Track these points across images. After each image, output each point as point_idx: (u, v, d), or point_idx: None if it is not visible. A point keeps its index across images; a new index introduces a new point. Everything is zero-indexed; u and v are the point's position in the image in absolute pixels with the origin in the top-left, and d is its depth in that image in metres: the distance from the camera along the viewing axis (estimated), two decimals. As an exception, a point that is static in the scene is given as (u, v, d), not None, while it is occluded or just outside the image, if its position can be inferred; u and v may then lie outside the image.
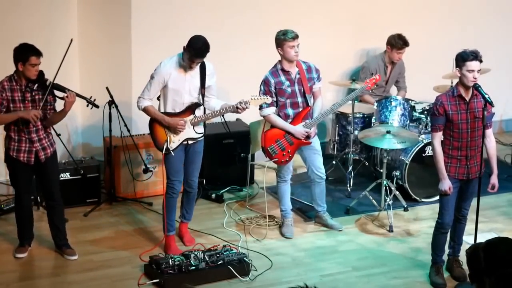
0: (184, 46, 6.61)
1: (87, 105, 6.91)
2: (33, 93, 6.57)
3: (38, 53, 6.48)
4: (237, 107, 6.75)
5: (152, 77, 6.76)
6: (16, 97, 6.54)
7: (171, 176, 6.87)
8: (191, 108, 6.80)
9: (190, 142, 6.85)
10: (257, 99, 6.90)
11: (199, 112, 6.85)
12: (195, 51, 6.58)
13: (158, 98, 6.87)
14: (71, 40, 6.64)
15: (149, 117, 6.89)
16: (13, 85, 6.54)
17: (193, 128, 6.82)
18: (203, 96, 6.80)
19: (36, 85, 6.57)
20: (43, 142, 6.69)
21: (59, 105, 6.77)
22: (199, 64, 6.73)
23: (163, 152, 6.81)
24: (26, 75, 6.50)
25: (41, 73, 6.55)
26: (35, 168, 6.73)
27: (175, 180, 6.87)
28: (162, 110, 6.82)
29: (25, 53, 6.46)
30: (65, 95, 6.60)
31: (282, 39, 7.12)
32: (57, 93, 6.70)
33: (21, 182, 6.77)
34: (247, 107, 6.77)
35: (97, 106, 6.95)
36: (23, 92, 6.54)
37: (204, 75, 6.78)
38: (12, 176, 6.82)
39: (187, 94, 6.75)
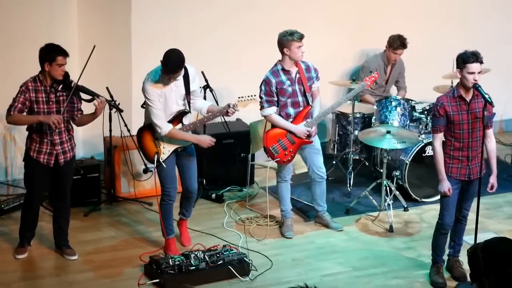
0: (161, 60, 6.55)
1: (111, 109, 6.89)
2: (58, 94, 6.55)
3: (65, 53, 6.47)
4: (227, 112, 6.69)
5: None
6: (40, 98, 6.51)
7: (166, 184, 6.82)
8: (178, 117, 6.76)
9: (179, 150, 6.84)
10: (244, 100, 6.88)
11: (186, 120, 6.83)
12: (168, 67, 6.49)
13: (143, 106, 6.82)
14: (94, 46, 6.61)
15: (137, 130, 6.85)
16: (37, 86, 6.51)
17: None
18: (189, 103, 6.76)
19: (61, 86, 6.55)
20: (64, 145, 6.67)
21: (86, 106, 6.77)
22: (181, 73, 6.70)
23: (155, 164, 6.78)
24: (52, 75, 6.48)
25: (66, 74, 6.54)
26: (52, 170, 6.70)
27: (170, 187, 6.82)
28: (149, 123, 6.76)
29: (52, 53, 6.45)
30: (95, 101, 6.57)
31: (290, 39, 7.13)
32: (83, 95, 6.70)
33: (36, 183, 6.74)
34: (236, 110, 6.71)
35: (121, 110, 6.96)
36: (47, 93, 6.52)
37: (188, 81, 6.72)
38: (27, 176, 6.78)
39: (174, 104, 6.70)
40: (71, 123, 6.74)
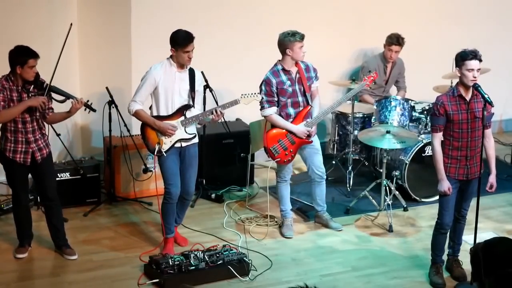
0: (171, 51, 6.70)
1: (85, 109, 6.91)
2: (29, 94, 6.57)
3: (35, 56, 6.48)
4: (211, 115, 6.79)
5: (143, 80, 6.80)
6: (14, 97, 6.53)
7: (168, 180, 6.83)
8: (181, 110, 6.81)
9: (183, 144, 6.85)
10: (248, 97, 6.92)
11: (189, 113, 6.85)
12: (183, 39, 6.67)
13: (150, 108, 6.90)
14: (71, 24, 6.62)
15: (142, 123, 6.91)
16: (10, 85, 6.54)
17: (185, 129, 6.83)
18: (193, 99, 6.82)
19: (32, 86, 6.58)
20: (39, 142, 6.69)
21: (58, 106, 6.78)
22: (188, 68, 6.79)
23: (155, 154, 6.81)
24: (24, 77, 6.50)
25: (37, 75, 6.56)
26: (31, 168, 6.72)
27: (171, 184, 6.82)
28: (155, 114, 6.82)
29: (23, 56, 6.46)
30: (73, 101, 6.61)
31: (292, 40, 7.15)
32: (56, 96, 6.72)
33: (18, 182, 6.76)
34: (221, 113, 6.80)
35: (94, 110, 6.96)
36: (19, 93, 6.55)
37: (194, 79, 6.82)
38: (9, 177, 6.81)
39: (177, 95, 6.77)
40: (43, 121, 6.74)
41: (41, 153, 6.71)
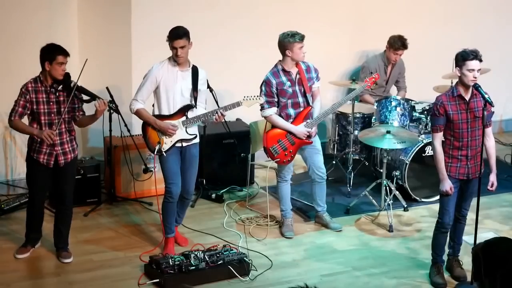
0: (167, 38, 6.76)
1: (109, 110, 6.93)
2: (58, 94, 6.55)
3: (65, 53, 6.49)
4: (213, 115, 6.81)
5: (144, 78, 6.82)
6: (40, 98, 6.52)
7: (168, 179, 6.84)
8: (183, 110, 6.81)
9: (184, 144, 6.86)
10: (250, 99, 6.93)
11: (191, 114, 6.86)
12: (170, 34, 6.70)
13: (153, 105, 6.91)
14: (86, 60, 6.62)
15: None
16: (37, 87, 6.52)
17: (186, 130, 6.84)
18: (195, 99, 6.82)
19: (61, 86, 6.55)
20: (65, 146, 6.66)
21: (86, 108, 6.79)
22: (191, 66, 6.79)
23: (155, 153, 6.82)
24: (53, 74, 6.48)
25: (67, 75, 6.54)
26: (53, 171, 6.69)
27: (172, 183, 6.83)
28: (157, 113, 6.83)
29: (53, 52, 6.46)
30: (96, 103, 6.58)
31: (292, 41, 7.15)
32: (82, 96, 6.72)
33: (37, 183, 6.73)
34: (222, 115, 6.81)
35: (118, 112, 6.97)
36: (47, 93, 6.52)
37: (197, 79, 6.81)
38: (29, 176, 6.77)
39: (179, 94, 6.77)
40: (73, 124, 6.74)
41: (65, 157, 6.67)
